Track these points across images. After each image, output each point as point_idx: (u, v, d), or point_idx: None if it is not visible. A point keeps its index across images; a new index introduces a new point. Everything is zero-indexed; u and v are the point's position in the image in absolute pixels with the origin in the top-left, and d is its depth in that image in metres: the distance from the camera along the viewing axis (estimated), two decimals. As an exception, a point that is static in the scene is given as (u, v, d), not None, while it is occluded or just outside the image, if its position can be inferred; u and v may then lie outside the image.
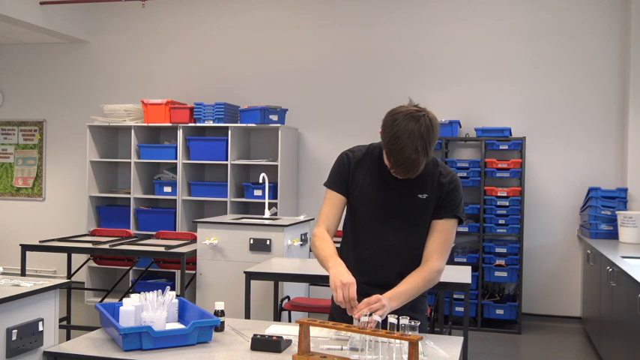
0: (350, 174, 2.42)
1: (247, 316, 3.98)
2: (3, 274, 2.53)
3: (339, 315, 2.38)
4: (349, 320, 2.19)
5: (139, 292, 2.44)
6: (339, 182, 2.44)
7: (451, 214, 2.38)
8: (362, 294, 2.24)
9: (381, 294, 2.25)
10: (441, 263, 2.37)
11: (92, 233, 5.82)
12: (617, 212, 5.61)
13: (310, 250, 5.15)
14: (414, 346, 1.91)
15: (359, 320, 2.09)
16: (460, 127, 6.25)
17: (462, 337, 2.38)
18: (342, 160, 2.46)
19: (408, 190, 2.36)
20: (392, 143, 2.18)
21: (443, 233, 2.38)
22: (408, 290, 2.30)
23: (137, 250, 4.95)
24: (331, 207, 2.45)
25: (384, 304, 2.16)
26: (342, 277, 2.22)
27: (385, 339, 2.02)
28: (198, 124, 6.53)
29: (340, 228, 2.54)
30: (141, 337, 2.19)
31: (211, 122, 6.46)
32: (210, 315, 2.38)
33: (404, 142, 2.15)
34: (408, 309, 2.31)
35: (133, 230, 6.44)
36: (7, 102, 7.79)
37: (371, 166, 2.41)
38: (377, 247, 2.39)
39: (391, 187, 2.37)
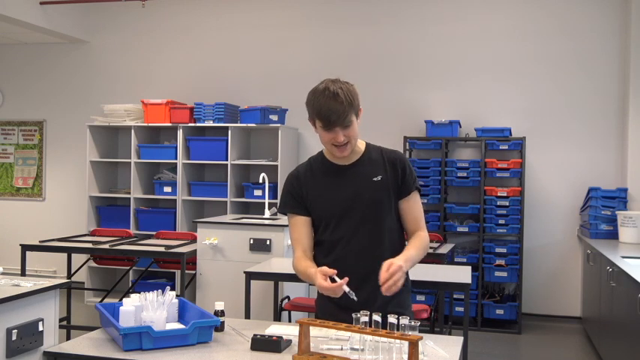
0: (302, 190, 2.46)
1: (247, 316, 3.98)
2: (3, 274, 2.53)
3: (323, 315, 2.39)
4: (334, 318, 2.21)
5: (139, 292, 2.44)
6: (294, 204, 2.47)
7: (413, 187, 2.46)
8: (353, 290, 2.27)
9: (371, 287, 2.29)
10: (427, 233, 2.50)
11: (92, 233, 5.83)
12: (617, 212, 5.61)
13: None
14: (414, 346, 1.91)
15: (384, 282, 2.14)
16: (460, 127, 6.25)
17: (462, 337, 2.38)
18: (290, 183, 2.50)
19: (362, 177, 2.42)
20: (316, 102, 2.34)
21: (416, 207, 2.47)
22: (417, 255, 2.38)
23: (137, 250, 4.96)
24: (298, 229, 2.46)
25: (401, 265, 2.19)
26: (314, 279, 2.24)
27: (385, 339, 2.02)
28: (198, 124, 6.53)
29: None
30: (141, 337, 2.19)
31: (211, 122, 6.46)
32: (210, 315, 2.38)
33: (326, 94, 2.31)
34: (395, 305, 2.34)
35: (133, 230, 6.44)
36: (7, 102, 7.79)
37: (319, 173, 2.47)
38: (354, 241, 2.39)
39: (346, 182, 2.42)
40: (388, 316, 2.06)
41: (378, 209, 2.40)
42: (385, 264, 2.20)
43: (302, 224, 2.46)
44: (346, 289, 2.16)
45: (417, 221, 2.47)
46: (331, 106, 2.28)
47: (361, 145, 2.48)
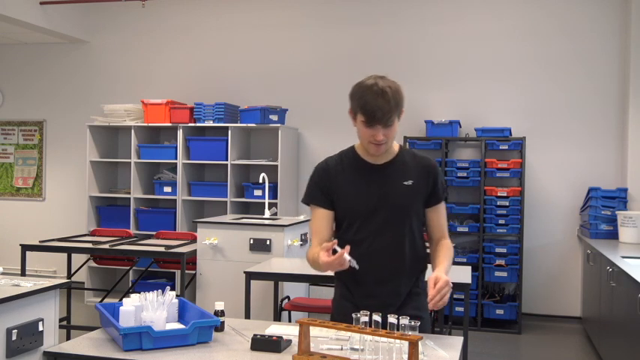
0: (331, 183, 2.42)
1: (247, 316, 3.98)
2: (3, 274, 2.53)
3: (339, 315, 2.38)
4: (350, 319, 2.19)
5: (139, 292, 2.43)
6: (320, 197, 2.43)
7: (442, 197, 2.47)
8: (373, 295, 2.30)
9: (391, 291, 2.32)
10: (449, 240, 2.50)
11: (92, 233, 5.83)
12: (617, 212, 5.61)
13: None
14: (414, 346, 1.91)
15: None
16: (460, 127, 6.25)
17: (462, 337, 2.38)
18: (318, 174, 2.46)
19: (392, 179, 2.39)
20: (362, 97, 2.27)
21: (442, 216, 2.48)
22: (450, 266, 2.39)
23: (137, 250, 4.95)
24: (319, 221, 2.43)
25: (448, 280, 2.19)
26: (319, 259, 2.20)
27: (385, 339, 2.02)
28: (198, 124, 6.53)
29: None
30: (141, 337, 2.19)
31: (211, 122, 6.46)
32: (210, 315, 2.38)
33: (374, 90, 2.26)
34: (413, 308, 2.34)
35: (133, 230, 6.43)
36: (7, 102, 7.79)
37: (350, 168, 2.43)
38: (377, 242, 2.37)
39: (376, 181, 2.39)
40: (388, 316, 2.06)
41: (404, 213, 2.38)
42: (431, 280, 2.19)
43: (324, 217, 2.42)
44: (347, 257, 2.13)
45: (442, 229, 2.48)
46: (378, 102, 2.24)
47: (395, 147, 2.45)
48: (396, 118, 2.30)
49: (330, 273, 2.39)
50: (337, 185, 2.41)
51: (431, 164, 2.45)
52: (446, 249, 2.43)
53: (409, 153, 2.48)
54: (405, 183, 2.38)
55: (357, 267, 2.16)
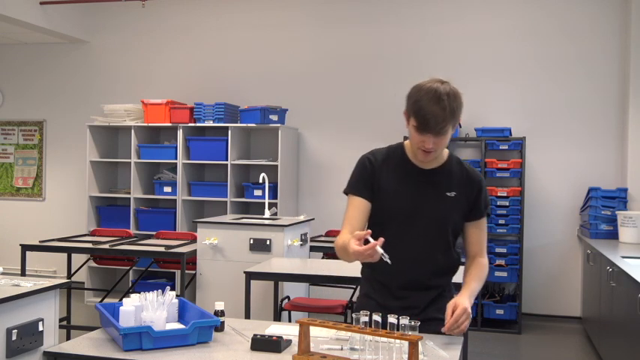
0: (374, 178, 2.35)
1: (247, 316, 3.98)
2: (3, 274, 2.53)
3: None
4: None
5: (139, 292, 2.43)
6: (362, 187, 2.35)
7: (484, 213, 2.42)
8: (399, 297, 2.29)
9: (417, 296, 2.31)
10: (487, 259, 2.46)
11: (92, 233, 5.83)
12: (617, 212, 5.61)
13: (310, 250, 5.15)
14: (414, 346, 1.91)
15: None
16: (460, 127, 6.24)
17: (462, 337, 2.38)
18: (363, 165, 2.38)
19: (436, 188, 2.34)
20: (418, 100, 2.20)
21: (481, 233, 2.43)
22: (479, 287, 2.35)
23: (137, 250, 4.96)
24: (356, 211, 2.34)
25: (466, 307, 2.15)
26: (349, 247, 2.09)
27: (385, 339, 2.02)
28: (198, 124, 6.53)
29: None
30: (141, 337, 2.19)
31: (211, 122, 6.46)
32: (210, 315, 2.38)
33: (431, 95, 2.18)
34: (436, 310, 2.33)
35: (133, 230, 6.43)
36: (7, 102, 7.79)
37: (395, 166, 2.37)
38: (409, 247, 2.32)
39: (419, 186, 2.34)
40: (388, 316, 2.06)
41: (441, 224, 2.33)
42: (450, 307, 2.16)
43: (360, 207, 2.33)
44: (380, 250, 2.04)
45: (480, 246, 2.43)
46: (433, 110, 2.16)
47: (444, 153, 2.38)
48: (450, 127, 2.22)
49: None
50: (380, 180, 2.34)
51: (477, 178, 2.39)
52: (479, 269, 2.39)
53: (457, 162, 2.41)
54: (448, 194, 2.33)
55: (389, 262, 2.06)
